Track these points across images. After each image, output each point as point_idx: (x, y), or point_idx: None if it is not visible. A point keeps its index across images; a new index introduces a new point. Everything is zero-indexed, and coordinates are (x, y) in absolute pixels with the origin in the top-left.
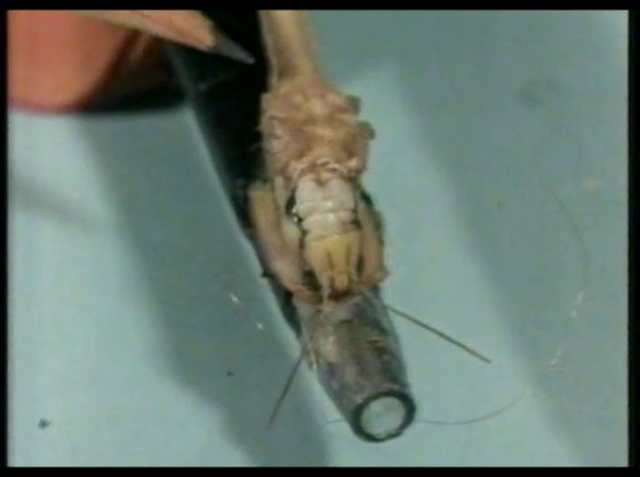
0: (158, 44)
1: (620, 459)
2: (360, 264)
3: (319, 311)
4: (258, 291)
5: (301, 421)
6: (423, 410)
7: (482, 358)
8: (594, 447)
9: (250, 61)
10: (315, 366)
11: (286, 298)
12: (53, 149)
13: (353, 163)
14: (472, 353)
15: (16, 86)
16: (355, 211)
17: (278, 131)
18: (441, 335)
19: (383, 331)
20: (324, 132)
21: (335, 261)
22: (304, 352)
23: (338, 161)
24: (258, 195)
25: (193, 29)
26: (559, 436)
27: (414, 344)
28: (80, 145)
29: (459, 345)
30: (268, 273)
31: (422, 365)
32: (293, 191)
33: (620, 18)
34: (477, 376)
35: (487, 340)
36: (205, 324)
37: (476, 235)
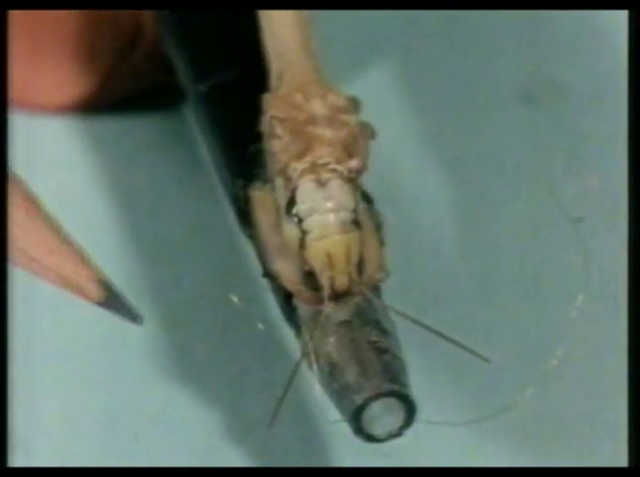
0: (158, 44)
1: (620, 459)
2: (360, 265)
3: (319, 311)
4: (259, 291)
5: (302, 422)
6: (424, 411)
7: (482, 358)
8: (594, 447)
9: (140, 322)
10: (315, 366)
11: (286, 298)
12: (53, 149)
13: (353, 163)
14: (472, 353)
15: (16, 86)
16: (355, 211)
17: (279, 131)
18: (441, 335)
19: (383, 331)
20: (324, 133)
21: (335, 262)
22: (304, 352)
23: (338, 161)
24: (259, 195)
25: (82, 281)
26: (559, 436)
27: (415, 344)
28: (81, 145)
29: (459, 345)
30: (269, 273)
31: (423, 365)
32: (293, 191)
33: (620, 18)
34: (477, 376)
35: (487, 340)
36: (205, 324)
37: (476, 234)
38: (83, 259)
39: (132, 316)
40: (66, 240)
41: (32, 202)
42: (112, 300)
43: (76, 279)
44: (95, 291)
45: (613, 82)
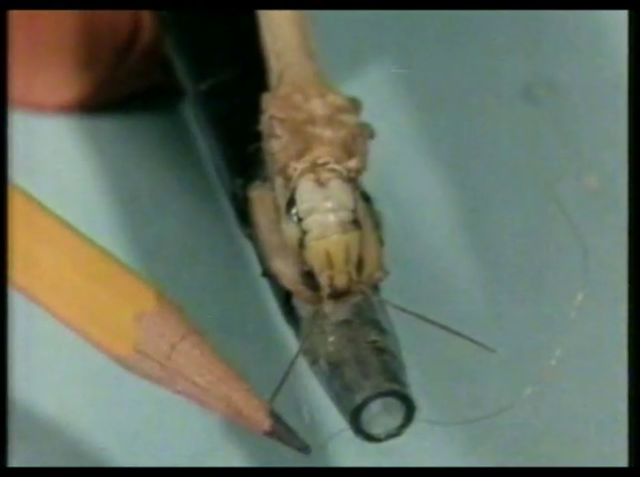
0: (157, 44)
1: (620, 459)
2: (359, 264)
3: (319, 311)
4: (259, 291)
5: (302, 422)
6: (423, 410)
7: (486, 347)
8: (594, 447)
9: (308, 452)
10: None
11: (286, 298)
12: (53, 149)
13: (353, 163)
14: (475, 343)
15: (16, 86)
16: (354, 211)
17: (278, 131)
18: (442, 326)
19: (382, 331)
20: (324, 132)
21: (334, 261)
22: (304, 351)
23: (338, 161)
24: (258, 194)
25: (251, 411)
26: (558, 436)
27: (414, 344)
28: (81, 145)
29: (462, 335)
30: (268, 273)
31: (422, 365)
32: (293, 191)
33: (620, 18)
34: (477, 376)
35: (487, 340)
36: (205, 323)
37: (476, 234)
38: (249, 388)
39: (299, 446)
40: (230, 369)
41: (198, 333)
42: (280, 430)
43: (245, 409)
44: (265, 421)
45: (613, 82)
